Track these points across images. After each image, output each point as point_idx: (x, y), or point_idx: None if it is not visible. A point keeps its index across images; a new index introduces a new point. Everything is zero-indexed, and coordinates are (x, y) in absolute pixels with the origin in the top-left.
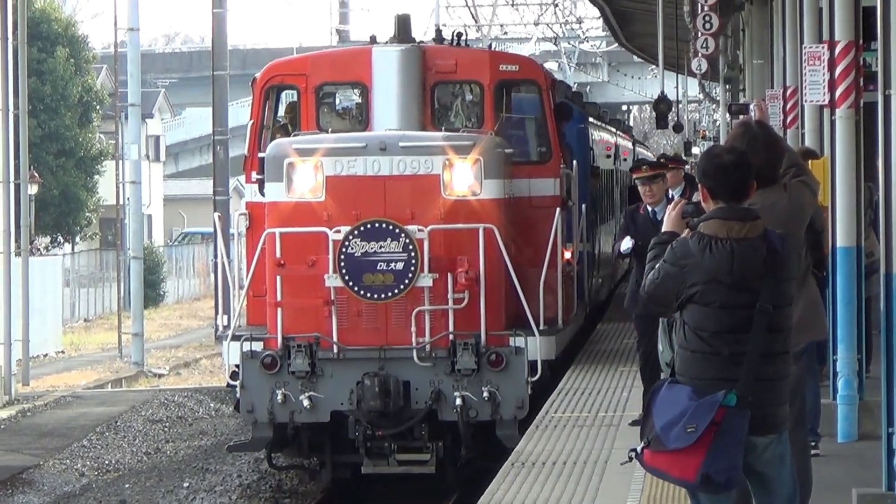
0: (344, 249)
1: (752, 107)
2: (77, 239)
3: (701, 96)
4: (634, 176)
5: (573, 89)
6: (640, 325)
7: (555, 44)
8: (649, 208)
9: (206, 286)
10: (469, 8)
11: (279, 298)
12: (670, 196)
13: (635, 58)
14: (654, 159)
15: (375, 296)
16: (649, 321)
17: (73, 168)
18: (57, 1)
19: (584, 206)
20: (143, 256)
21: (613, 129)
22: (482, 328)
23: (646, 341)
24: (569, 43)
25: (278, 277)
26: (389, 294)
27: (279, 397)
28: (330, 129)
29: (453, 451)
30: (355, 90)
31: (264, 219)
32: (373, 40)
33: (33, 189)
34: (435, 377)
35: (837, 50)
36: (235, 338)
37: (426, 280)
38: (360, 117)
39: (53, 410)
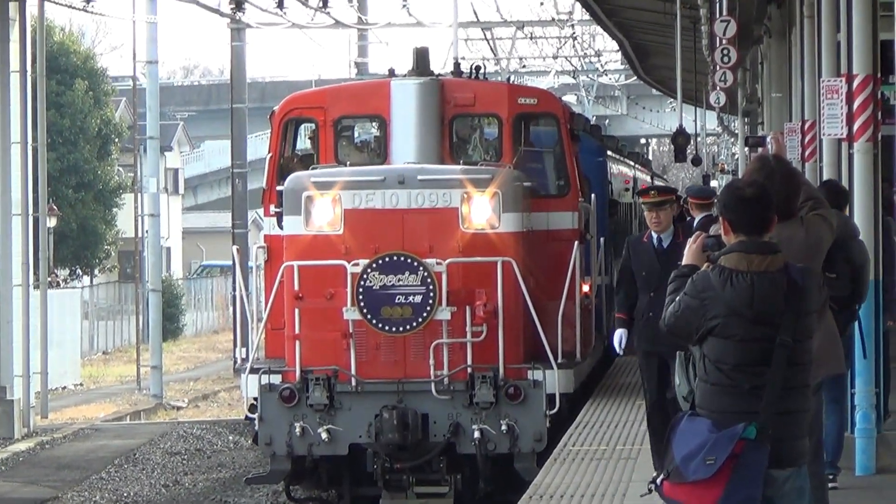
0: (362, 283)
1: (768, 140)
2: (96, 271)
3: (719, 129)
4: (642, 200)
5: (592, 122)
6: (645, 365)
7: (573, 77)
8: (654, 236)
9: (224, 319)
10: (488, 41)
11: (297, 331)
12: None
13: (654, 91)
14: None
15: (394, 329)
16: (652, 356)
17: (92, 201)
18: (76, 34)
19: (602, 239)
20: (161, 289)
21: (632, 163)
22: (500, 361)
23: (653, 384)
24: (587, 76)
25: (296, 310)
26: (408, 327)
27: (297, 430)
28: (348, 162)
29: (471, 484)
30: (374, 123)
31: (282, 252)
32: (391, 73)
33: (52, 222)
34: (453, 410)
35: (855, 83)
36: (254, 371)
37: (444, 313)
38: (379, 150)
39: (72, 443)
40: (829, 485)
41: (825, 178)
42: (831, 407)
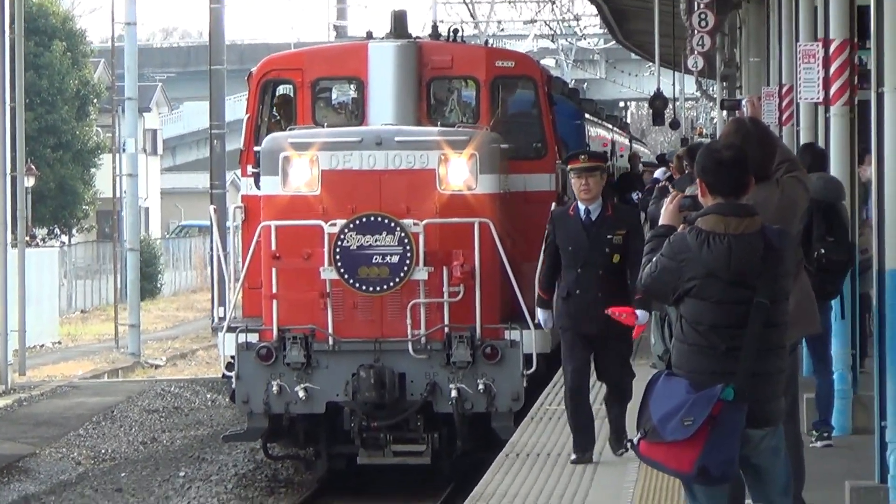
0: (339, 243)
1: (744, 103)
2: (74, 231)
3: (698, 94)
4: (570, 167)
5: (570, 86)
6: (568, 346)
7: (552, 41)
8: (581, 208)
9: (202, 278)
10: (466, 4)
11: (275, 291)
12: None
13: (633, 55)
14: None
15: (371, 288)
16: (576, 336)
17: (71, 161)
18: None
19: None
20: (139, 249)
21: (610, 126)
22: (477, 321)
23: (576, 367)
24: (566, 40)
25: (274, 270)
26: (385, 287)
27: (275, 388)
28: (326, 124)
29: (449, 443)
30: (351, 85)
31: (260, 212)
32: (369, 36)
33: (30, 181)
34: (430, 369)
35: (832, 48)
36: (231, 329)
37: (421, 273)
38: (356, 112)
39: (50, 400)
40: (824, 443)
41: (802, 141)
42: (819, 367)
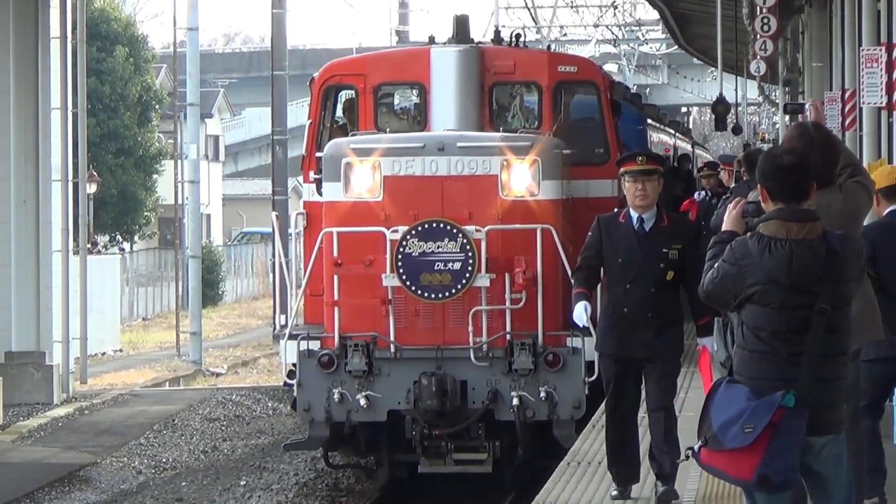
0: (401, 249)
1: (807, 107)
2: (136, 238)
3: (760, 99)
4: (624, 169)
5: (632, 91)
6: (613, 372)
7: (614, 46)
8: (633, 216)
9: (264, 285)
10: (529, 10)
11: (336, 298)
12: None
13: (695, 60)
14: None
15: (433, 295)
16: (620, 361)
17: (132, 167)
18: (117, 0)
19: None
20: (201, 256)
21: (672, 131)
22: (539, 328)
23: (620, 397)
24: (628, 45)
25: (335, 277)
26: (447, 294)
27: (336, 396)
28: (388, 130)
29: (510, 451)
30: (413, 90)
31: (322, 218)
32: (431, 41)
33: (92, 188)
34: (492, 377)
35: (895, 52)
36: (293, 337)
37: (483, 280)
38: (419, 117)
39: (111, 408)
40: None
41: (864, 146)
42: None
